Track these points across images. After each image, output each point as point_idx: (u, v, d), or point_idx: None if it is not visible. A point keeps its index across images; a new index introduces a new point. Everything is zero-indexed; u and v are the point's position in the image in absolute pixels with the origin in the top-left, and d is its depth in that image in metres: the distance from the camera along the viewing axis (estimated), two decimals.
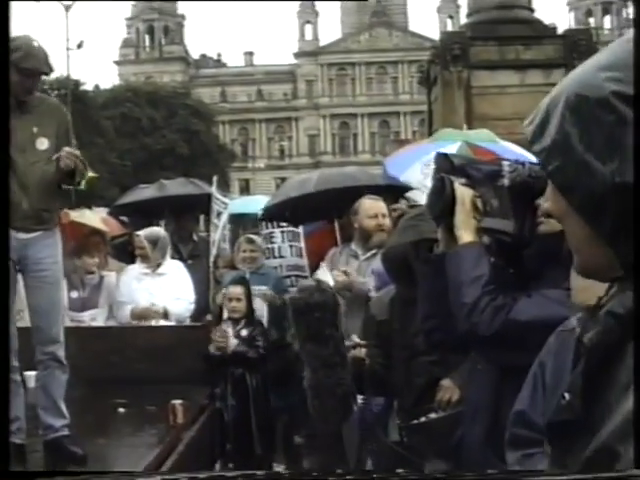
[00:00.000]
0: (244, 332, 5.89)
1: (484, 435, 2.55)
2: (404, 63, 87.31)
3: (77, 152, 4.25)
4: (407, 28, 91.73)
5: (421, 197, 5.75)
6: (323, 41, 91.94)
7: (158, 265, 6.40)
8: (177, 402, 4.84)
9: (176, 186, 8.75)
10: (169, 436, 4.68)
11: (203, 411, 5.52)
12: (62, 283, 4.62)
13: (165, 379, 5.38)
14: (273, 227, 6.98)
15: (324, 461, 6.13)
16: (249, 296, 6.02)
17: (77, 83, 48.48)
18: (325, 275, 5.39)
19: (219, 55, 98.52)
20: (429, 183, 4.06)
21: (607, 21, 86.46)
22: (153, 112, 55.52)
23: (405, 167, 7.19)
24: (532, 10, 14.79)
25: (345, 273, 5.37)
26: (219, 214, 7.57)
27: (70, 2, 39.82)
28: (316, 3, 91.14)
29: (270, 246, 6.93)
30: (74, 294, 6.17)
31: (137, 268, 6.46)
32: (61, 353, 4.32)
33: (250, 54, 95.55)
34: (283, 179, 66.33)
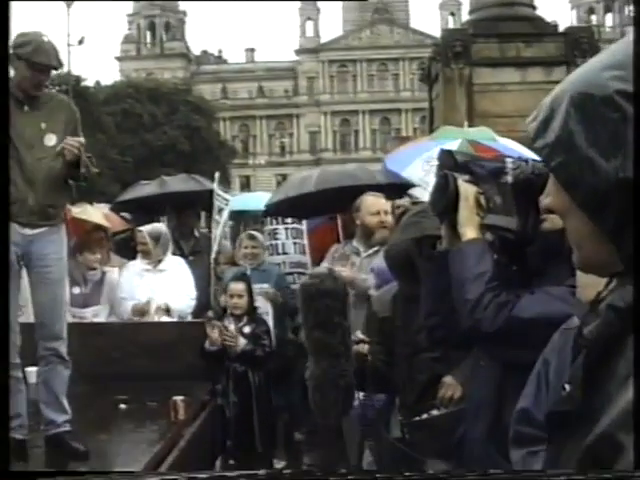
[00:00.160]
0: (247, 329, 5.88)
1: (486, 432, 2.55)
2: (405, 60, 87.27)
3: (81, 139, 4.24)
4: (408, 25, 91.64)
5: (423, 194, 5.75)
6: (324, 38, 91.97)
7: (159, 261, 6.39)
8: (178, 398, 4.84)
9: (177, 182, 8.74)
10: (170, 432, 4.69)
11: (204, 407, 5.52)
12: (66, 280, 4.61)
13: (166, 375, 5.38)
14: (278, 223, 6.98)
15: (325, 458, 6.13)
16: (251, 292, 6.02)
17: (78, 79, 48.37)
18: None
19: (220, 51, 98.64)
20: (430, 180, 4.06)
21: (609, 19, 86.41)
22: (154, 108, 55.46)
23: (406, 164, 7.19)
24: (534, 7, 14.77)
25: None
26: (220, 210, 7.56)
27: None
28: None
29: (274, 243, 6.93)
30: (76, 290, 6.16)
31: (138, 264, 6.46)
32: (64, 349, 4.32)
33: (251, 51, 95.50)
34: (284, 176, 66.42)
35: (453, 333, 2.57)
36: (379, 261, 4.98)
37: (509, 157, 2.64)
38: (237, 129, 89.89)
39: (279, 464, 6.64)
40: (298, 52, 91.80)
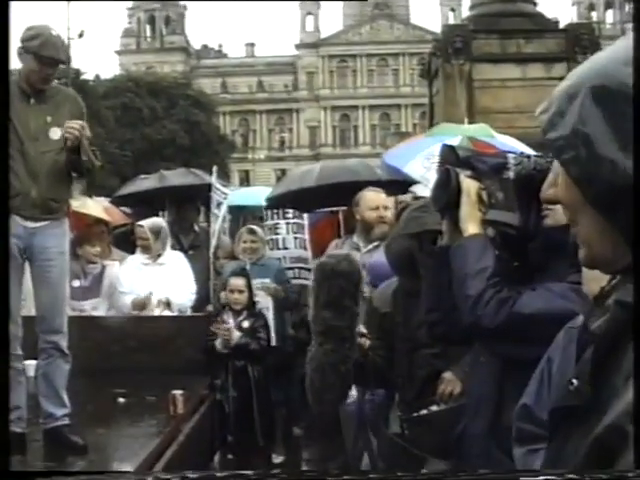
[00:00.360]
0: (246, 323, 5.89)
1: (486, 428, 2.55)
2: (405, 55, 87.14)
3: (82, 123, 4.21)
4: (409, 20, 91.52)
5: (423, 190, 5.75)
6: (324, 33, 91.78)
7: (159, 255, 6.40)
8: (177, 392, 4.84)
9: (177, 176, 8.74)
10: (169, 426, 4.69)
11: (203, 402, 5.52)
12: (67, 274, 4.60)
13: (165, 369, 5.38)
14: (279, 218, 6.96)
15: (323, 452, 6.14)
16: (250, 287, 6.02)
17: (78, 72, 48.27)
18: None
19: (220, 46, 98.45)
20: (431, 176, 4.06)
21: (609, 15, 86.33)
22: (154, 102, 55.38)
23: (407, 160, 7.19)
24: (534, 3, 14.76)
25: None
26: (219, 204, 7.56)
27: None
28: None
29: (274, 237, 6.91)
30: (75, 283, 6.15)
31: (138, 258, 6.46)
32: (64, 343, 4.31)
33: (251, 45, 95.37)
34: (283, 170, 66.43)
35: (454, 329, 2.56)
36: (373, 257, 4.98)
37: (511, 152, 2.64)
38: (237, 123, 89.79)
39: (278, 459, 6.65)
40: (298, 47, 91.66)
